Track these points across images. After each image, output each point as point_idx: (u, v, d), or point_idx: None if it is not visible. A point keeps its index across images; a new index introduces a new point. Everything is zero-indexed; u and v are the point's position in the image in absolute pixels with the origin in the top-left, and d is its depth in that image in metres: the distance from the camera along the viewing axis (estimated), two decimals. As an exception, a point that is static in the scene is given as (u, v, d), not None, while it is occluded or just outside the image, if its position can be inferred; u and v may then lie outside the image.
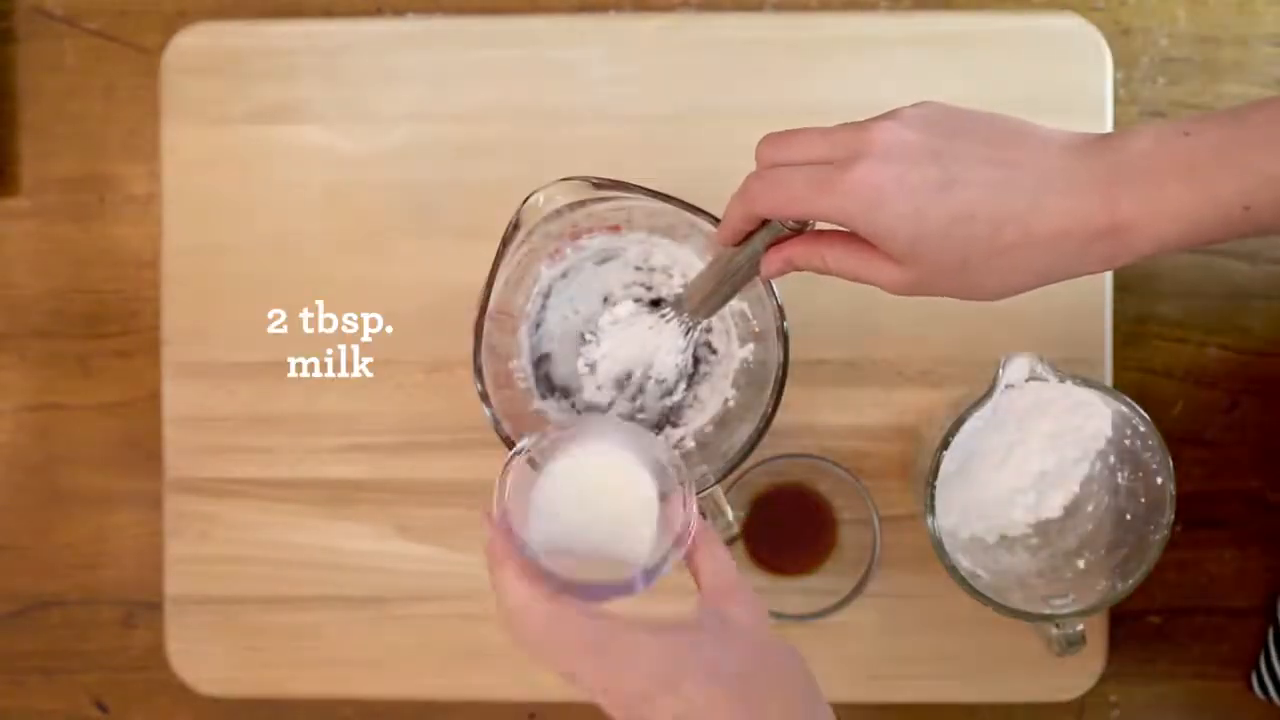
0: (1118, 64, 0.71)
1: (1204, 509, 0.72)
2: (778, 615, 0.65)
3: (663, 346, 0.61)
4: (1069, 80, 0.70)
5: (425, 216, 0.71)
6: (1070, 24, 0.70)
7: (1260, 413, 0.73)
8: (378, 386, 0.71)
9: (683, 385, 0.65)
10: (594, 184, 0.56)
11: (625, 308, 0.64)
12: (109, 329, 0.74)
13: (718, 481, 0.57)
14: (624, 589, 0.46)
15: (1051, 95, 0.70)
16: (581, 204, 0.58)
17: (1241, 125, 0.44)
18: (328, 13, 0.73)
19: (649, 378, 0.63)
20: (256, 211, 0.71)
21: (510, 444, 0.56)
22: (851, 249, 0.48)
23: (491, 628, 0.70)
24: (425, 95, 0.71)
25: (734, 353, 0.66)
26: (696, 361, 0.66)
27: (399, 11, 0.73)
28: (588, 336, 0.65)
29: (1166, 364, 0.73)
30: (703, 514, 0.52)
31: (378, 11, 0.74)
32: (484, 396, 0.57)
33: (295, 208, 0.71)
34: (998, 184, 0.45)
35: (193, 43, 0.71)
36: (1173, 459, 0.60)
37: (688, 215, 0.57)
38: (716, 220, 0.54)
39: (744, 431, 0.59)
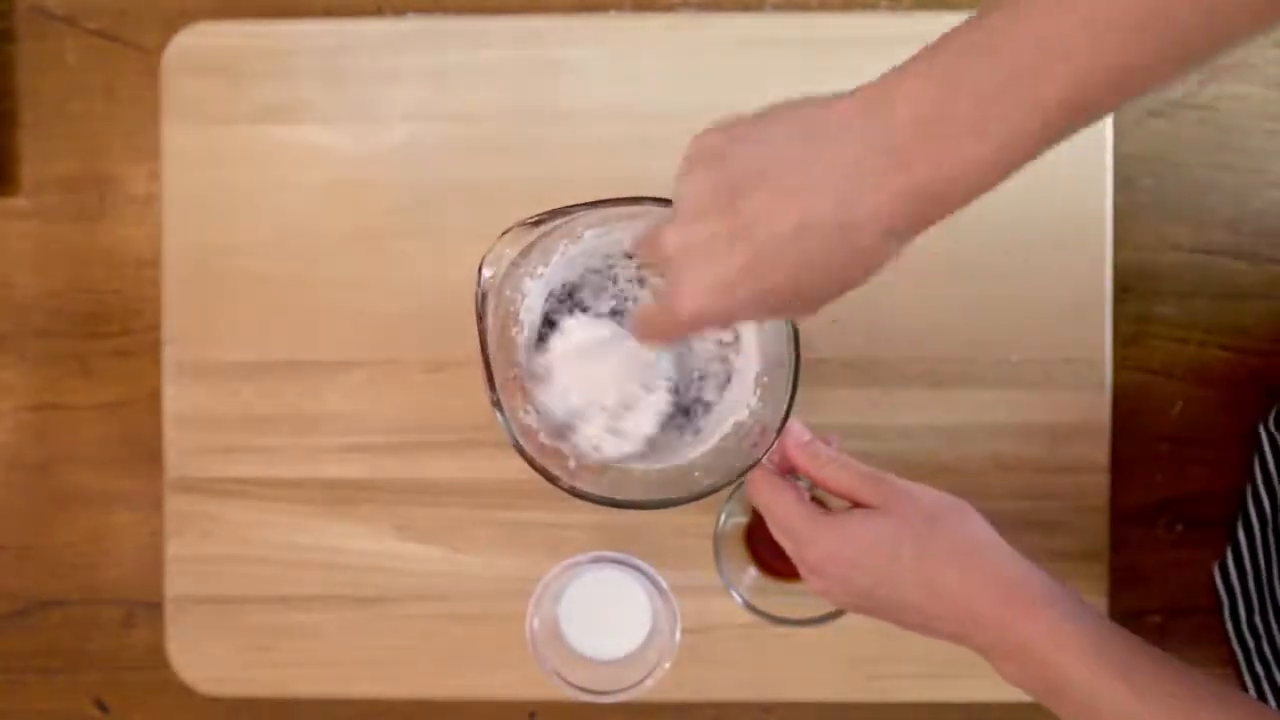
0: (1118, 64, 0.71)
1: (1204, 509, 0.72)
2: (779, 620, 0.64)
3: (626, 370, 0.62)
4: (1069, 80, 0.70)
5: (425, 216, 0.71)
6: (1070, 24, 0.69)
7: (1260, 413, 0.72)
8: (378, 386, 0.71)
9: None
10: (532, 223, 0.57)
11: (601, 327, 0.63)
12: (109, 329, 0.74)
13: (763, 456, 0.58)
14: None
15: (1051, 95, 0.69)
16: (530, 247, 0.58)
17: (1005, 57, 0.43)
18: (328, 13, 0.73)
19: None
20: (257, 211, 0.71)
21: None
22: None
23: (491, 628, 0.70)
24: (425, 95, 0.71)
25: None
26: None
27: (399, 11, 0.73)
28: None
29: (1166, 364, 0.73)
30: None
31: (378, 11, 0.74)
32: (529, 459, 0.58)
33: (295, 208, 0.71)
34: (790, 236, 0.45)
35: (193, 43, 0.71)
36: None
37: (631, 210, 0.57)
38: (661, 201, 0.55)
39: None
